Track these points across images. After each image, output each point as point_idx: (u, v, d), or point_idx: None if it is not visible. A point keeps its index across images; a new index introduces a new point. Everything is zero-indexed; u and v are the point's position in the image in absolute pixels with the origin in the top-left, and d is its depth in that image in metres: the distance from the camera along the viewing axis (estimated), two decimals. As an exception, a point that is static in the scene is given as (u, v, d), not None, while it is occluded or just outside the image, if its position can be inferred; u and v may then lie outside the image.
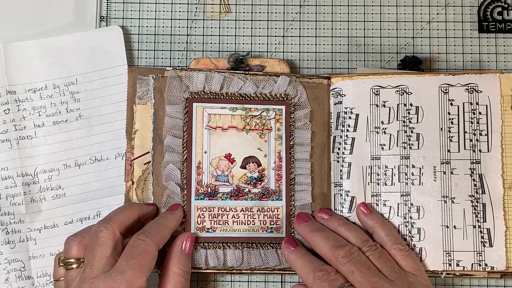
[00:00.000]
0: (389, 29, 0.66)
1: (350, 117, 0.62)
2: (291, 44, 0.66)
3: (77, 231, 0.58)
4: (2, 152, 0.63)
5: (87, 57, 0.64)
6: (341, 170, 0.61)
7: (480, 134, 0.61)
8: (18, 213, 0.63)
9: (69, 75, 0.64)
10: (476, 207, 0.60)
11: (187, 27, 0.66)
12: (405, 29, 0.66)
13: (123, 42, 0.64)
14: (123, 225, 0.55)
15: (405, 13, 0.67)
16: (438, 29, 0.66)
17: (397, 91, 0.61)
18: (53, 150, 0.64)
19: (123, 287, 0.50)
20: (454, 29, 0.66)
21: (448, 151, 0.60)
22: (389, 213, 0.60)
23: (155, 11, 0.66)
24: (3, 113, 0.64)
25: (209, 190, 0.61)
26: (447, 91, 0.61)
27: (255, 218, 0.61)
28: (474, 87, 0.61)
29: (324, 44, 0.66)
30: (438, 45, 0.66)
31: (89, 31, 0.65)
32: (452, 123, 0.61)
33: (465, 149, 0.60)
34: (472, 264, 0.59)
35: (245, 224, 0.61)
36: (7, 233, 0.63)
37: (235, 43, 0.66)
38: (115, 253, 0.54)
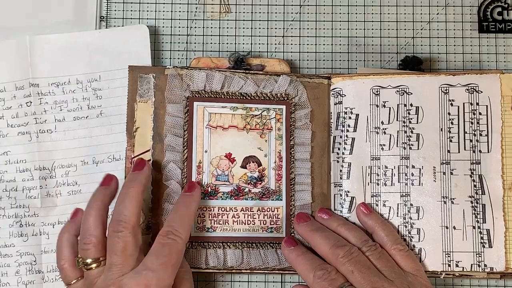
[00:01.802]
0: (389, 29, 0.66)
1: (350, 117, 0.62)
2: (291, 44, 0.66)
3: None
4: (21, 144, 0.63)
5: (112, 55, 0.64)
6: (341, 170, 0.61)
7: (480, 135, 0.60)
8: (33, 206, 0.63)
9: (92, 72, 0.64)
10: (475, 208, 0.60)
11: (187, 27, 0.66)
12: (405, 29, 0.66)
13: (148, 42, 0.64)
14: (137, 219, 0.55)
15: (405, 13, 0.67)
16: (438, 29, 0.66)
17: (397, 91, 0.61)
18: (72, 145, 0.63)
19: (154, 284, 0.51)
20: (454, 29, 0.66)
21: (448, 151, 0.60)
22: (389, 213, 0.60)
23: (155, 11, 0.66)
24: (25, 105, 0.63)
25: (209, 190, 0.61)
26: (447, 91, 0.61)
27: (255, 218, 0.61)
28: (474, 88, 0.61)
29: (324, 44, 0.66)
30: (438, 45, 0.66)
31: (116, 28, 0.65)
32: (452, 123, 0.61)
33: (465, 149, 0.60)
34: (472, 264, 0.59)
35: (245, 224, 0.61)
36: (21, 225, 0.63)
37: (235, 43, 0.66)
38: (137, 248, 0.54)
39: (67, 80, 0.64)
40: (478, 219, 0.60)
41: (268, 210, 0.61)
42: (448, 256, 0.59)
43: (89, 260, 0.54)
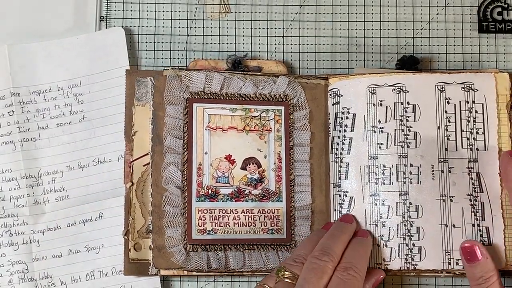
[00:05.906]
0: (389, 29, 0.68)
1: (347, 117, 0.63)
2: (291, 44, 0.68)
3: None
4: (6, 154, 0.65)
5: (91, 59, 0.66)
6: (339, 171, 0.63)
7: (477, 133, 0.62)
8: (21, 215, 0.65)
9: (73, 77, 0.66)
10: (474, 206, 0.61)
11: (187, 27, 0.68)
12: (405, 29, 0.68)
13: (125, 43, 0.66)
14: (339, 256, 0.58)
15: (405, 13, 0.68)
16: (438, 29, 0.68)
17: (394, 89, 0.62)
18: (56, 152, 0.65)
19: None
20: (454, 29, 0.68)
21: (446, 149, 0.62)
22: (388, 212, 0.61)
23: (155, 11, 0.68)
24: (7, 115, 0.66)
25: (209, 192, 0.62)
26: (443, 89, 0.62)
27: (256, 220, 0.62)
28: (470, 86, 0.62)
29: (323, 44, 0.68)
30: (438, 45, 0.67)
31: (93, 33, 0.67)
32: (449, 121, 0.62)
33: (462, 147, 0.61)
34: (472, 263, 0.60)
35: (246, 226, 0.62)
36: (11, 235, 0.64)
37: (235, 44, 0.68)
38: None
39: (48, 87, 0.66)
40: (477, 217, 0.60)
41: (269, 211, 0.63)
42: (448, 255, 0.60)
43: (287, 273, 0.56)
